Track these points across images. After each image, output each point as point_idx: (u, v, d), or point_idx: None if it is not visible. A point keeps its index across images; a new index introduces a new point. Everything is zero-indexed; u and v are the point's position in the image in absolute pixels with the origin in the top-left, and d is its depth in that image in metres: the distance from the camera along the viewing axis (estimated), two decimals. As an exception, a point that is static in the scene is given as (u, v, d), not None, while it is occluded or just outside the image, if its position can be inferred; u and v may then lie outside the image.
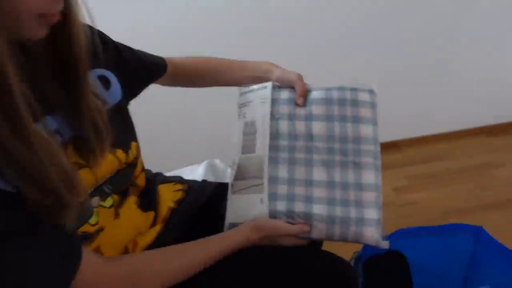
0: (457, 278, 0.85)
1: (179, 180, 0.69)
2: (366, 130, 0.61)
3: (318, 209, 0.58)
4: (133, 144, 0.53)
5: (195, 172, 0.93)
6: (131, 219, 0.53)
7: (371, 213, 0.57)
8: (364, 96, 0.62)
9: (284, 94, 0.65)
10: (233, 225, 0.59)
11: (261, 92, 0.66)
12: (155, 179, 0.65)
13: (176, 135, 1.42)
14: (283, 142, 0.62)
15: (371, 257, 0.79)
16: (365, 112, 0.62)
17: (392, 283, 0.76)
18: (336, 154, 0.61)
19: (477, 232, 0.86)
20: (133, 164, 0.54)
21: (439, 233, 0.92)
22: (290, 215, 0.58)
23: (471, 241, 0.87)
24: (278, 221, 0.57)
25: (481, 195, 1.37)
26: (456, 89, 1.58)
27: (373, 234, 0.56)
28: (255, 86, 0.67)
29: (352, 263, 0.82)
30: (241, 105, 0.67)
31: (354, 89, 0.63)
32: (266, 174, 0.61)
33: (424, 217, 1.29)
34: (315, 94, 0.64)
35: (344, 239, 0.57)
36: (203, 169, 0.94)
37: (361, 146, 0.60)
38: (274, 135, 0.63)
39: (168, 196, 0.63)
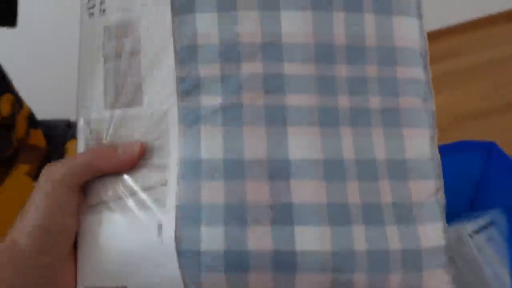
0: (464, 200, 0.78)
1: None
2: (405, 28, 0.28)
3: (306, 241, 0.26)
4: (5, 97, 0.43)
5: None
6: (22, 194, 0.45)
7: (433, 235, 0.27)
8: None
9: None
10: None
11: None
12: (66, 134, 0.52)
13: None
14: (210, 67, 0.27)
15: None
16: None
17: None
18: (340, 92, 0.27)
19: (489, 149, 0.77)
20: (9, 123, 0.44)
21: (447, 151, 0.83)
22: (238, 267, 0.25)
23: (481, 159, 0.78)
24: None
25: (500, 95, 1.24)
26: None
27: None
28: None
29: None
30: None
31: None
32: (174, 156, 0.27)
33: (433, 125, 1.21)
34: None
35: None
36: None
37: (397, 70, 0.28)
38: (187, 50, 0.27)
39: None
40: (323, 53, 0.28)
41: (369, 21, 0.28)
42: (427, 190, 0.28)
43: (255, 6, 0.27)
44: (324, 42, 0.28)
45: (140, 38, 0.28)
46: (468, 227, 0.55)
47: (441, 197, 0.29)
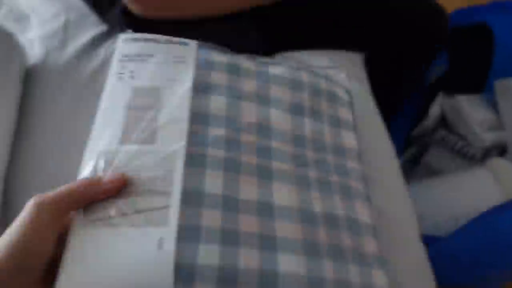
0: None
1: None
2: (349, 138, 0.41)
3: (287, 264, 0.31)
4: None
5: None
6: None
7: (380, 277, 0.35)
8: (342, 93, 0.45)
9: (221, 58, 0.40)
10: None
11: (175, 48, 0.39)
12: None
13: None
14: (217, 131, 0.35)
15: (456, 28, 0.74)
16: (346, 113, 0.43)
17: (472, 56, 0.76)
18: (310, 168, 0.37)
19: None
20: None
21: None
22: (228, 276, 0.29)
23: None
24: None
25: None
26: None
27: None
28: (159, 36, 0.40)
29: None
30: (125, 59, 0.38)
31: (329, 79, 0.44)
32: (177, 185, 0.31)
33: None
34: (275, 69, 0.42)
35: None
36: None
37: (346, 162, 0.40)
38: (198, 117, 0.35)
39: None
40: None
41: None
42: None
43: None
44: None
45: (162, 99, 0.36)
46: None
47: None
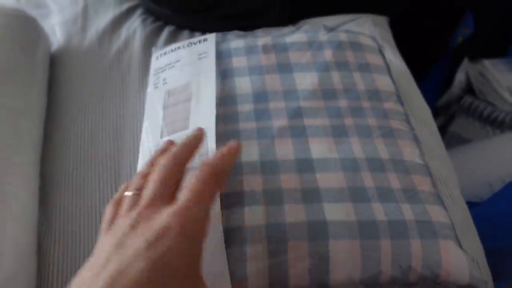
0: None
1: None
2: (384, 81, 0.40)
3: (335, 213, 0.31)
4: None
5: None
6: None
7: (439, 212, 0.33)
8: (367, 40, 0.44)
9: (238, 43, 0.43)
10: None
11: (197, 48, 0.43)
12: None
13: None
14: (245, 106, 0.37)
15: None
16: (375, 59, 0.42)
17: (498, 18, 0.74)
18: (345, 116, 0.37)
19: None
20: None
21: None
22: (277, 233, 0.30)
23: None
24: None
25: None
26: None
27: (456, 255, 0.31)
28: (184, 42, 0.44)
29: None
30: (158, 71, 0.43)
31: (349, 31, 0.44)
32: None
33: None
34: (291, 38, 0.43)
35: (395, 274, 0.30)
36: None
37: (384, 105, 0.38)
38: (227, 99, 0.38)
39: None
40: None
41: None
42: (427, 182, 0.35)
43: None
44: None
45: (192, 92, 0.39)
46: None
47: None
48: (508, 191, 0.58)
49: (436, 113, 0.87)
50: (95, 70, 0.52)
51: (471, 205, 0.61)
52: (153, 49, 0.47)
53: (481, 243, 0.42)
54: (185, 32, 0.56)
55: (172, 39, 0.55)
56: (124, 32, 0.55)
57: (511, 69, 0.82)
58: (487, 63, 0.82)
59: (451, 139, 0.84)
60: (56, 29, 0.57)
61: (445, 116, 0.87)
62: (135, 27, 0.56)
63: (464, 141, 0.82)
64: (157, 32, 0.56)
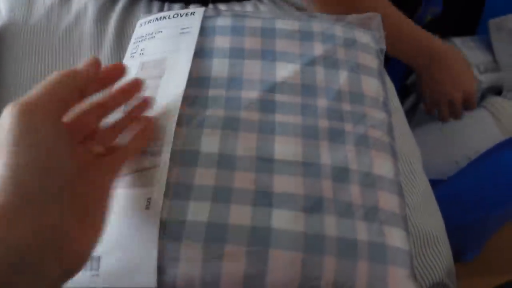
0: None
1: None
2: (370, 85, 0.37)
3: (282, 221, 0.29)
4: None
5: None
6: None
7: (396, 236, 0.30)
8: (365, 38, 0.40)
9: (226, 21, 0.40)
10: None
11: (182, 21, 0.40)
12: None
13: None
14: (217, 92, 0.35)
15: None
16: (367, 59, 0.38)
17: None
18: (320, 117, 0.34)
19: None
20: None
21: None
22: (216, 234, 0.28)
23: None
24: None
25: None
26: None
27: (404, 285, 0.29)
28: (170, 12, 0.41)
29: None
30: (138, 39, 0.41)
31: (348, 25, 0.40)
32: (168, 146, 0.31)
33: None
34: (283, 23, 0.40)
35: None
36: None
37: (366, 110, 0.35)
38: (199, 80, 0.36)
39: None
40: None
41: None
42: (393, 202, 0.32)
43: None
44: None
45: (166, 69, 0.37)
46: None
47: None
48: (473, 167, 0.59)
49: (407, 91, 0.86)
50: (43, 48, 0.49)
51: (437, 182, 0.61)
52: (141, 15, 0.45)
53: (447, 220, 0.42)
54: (142, 3, 0.53)
55: (128, 11, 0.51)
56: (74, 7, 0.51)
57: (480, 46, 0.82)
58: (456, 40, 0.81)
59: (423, 116, 0.85)
60: (0, 4, 0.53)
61: (416, 94, 0.87)
62: (86, 0, 0.52)
63: (435, 118, 0.82)
64: (111, 5, 0.52)
